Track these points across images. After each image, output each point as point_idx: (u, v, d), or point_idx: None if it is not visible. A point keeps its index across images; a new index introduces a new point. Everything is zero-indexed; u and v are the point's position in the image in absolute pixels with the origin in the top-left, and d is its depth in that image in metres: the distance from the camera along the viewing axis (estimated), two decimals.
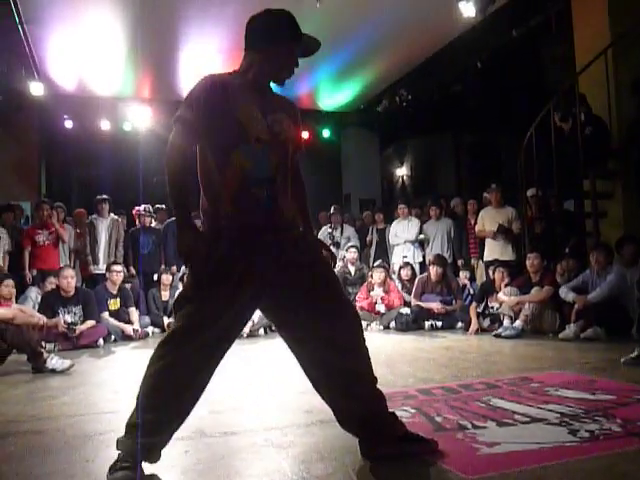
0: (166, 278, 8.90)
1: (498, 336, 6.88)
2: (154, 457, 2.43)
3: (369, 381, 2.60)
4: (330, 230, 10.47)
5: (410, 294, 8.57)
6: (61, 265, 8.29)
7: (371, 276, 8.75)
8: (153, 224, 9.96)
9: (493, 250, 8.63)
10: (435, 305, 8.10)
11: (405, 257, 9.89)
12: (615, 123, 7.64)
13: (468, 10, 8.48)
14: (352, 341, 2.57)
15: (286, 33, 2.59)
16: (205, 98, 2.46)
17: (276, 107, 2.61)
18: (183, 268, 8.67)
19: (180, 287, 8.51)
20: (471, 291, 8.69)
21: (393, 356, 5.83)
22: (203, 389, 2.47)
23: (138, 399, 2.40)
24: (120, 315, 7.94)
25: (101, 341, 7.35)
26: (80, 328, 7.04)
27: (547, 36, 8.81)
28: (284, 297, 2.54)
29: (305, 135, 14.18)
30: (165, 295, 8.86)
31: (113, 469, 2.33)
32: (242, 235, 2.45)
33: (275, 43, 2.57)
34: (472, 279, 9.21)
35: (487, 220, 8.72)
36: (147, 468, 2.40)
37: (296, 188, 2.71)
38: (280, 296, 2.54)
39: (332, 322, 2.52)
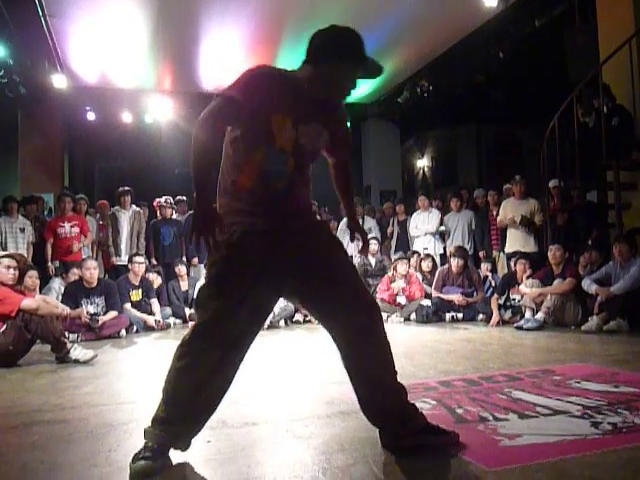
0: (178, 270, 8.94)
1: (519, 328, 6.84)
2: (183, 445, 2.47)
3: (389, 373, 2.60)
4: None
5: (431, 286, 8.55)
6: (83, 257, 8.37)
7: (394, 268, 8.72)
8: (174, 216, 9.99)
9: (515, 242, 8.57)
10: (456, 297, 8.07)
11: (426, 249, 9.86)
12: (639, 113, 7.54)
13: (490, 0, 8.42)
14: (369, 332, 2.55)
15: (347, 54, 2.48)
16: (253, 86, 2.42)
17: (314, 116, 2.56)
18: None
19: (202, 277, 8.54)
20: (492, 283, 8.64)
21: (414, 348, 5.82)
22: (227, 383, 2.49)
23: (163, 392, 2.45)
24: (142, 306, 7.99)
25: (123, 332, 7.40)
26: (103, 319, 7.11)
27: (570, 26, 8.71)
28: (303, 287, 2.55)
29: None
30: (184, 285, 8.90)
31: (136, 458, 2.36)
32: (259, 225, 2.44)
33: (333, 62, 2.47)
34: (493, 271, 9.16)
35: (509, 212, 8.66)
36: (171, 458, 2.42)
37: (342, 181, 2.87)
38: (299, 286, 2.55)
39: (349, 314, 2.51)
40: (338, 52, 2.48)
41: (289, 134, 2.49)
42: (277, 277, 2.48)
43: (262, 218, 2.45)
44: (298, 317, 8.37)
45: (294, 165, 2.53)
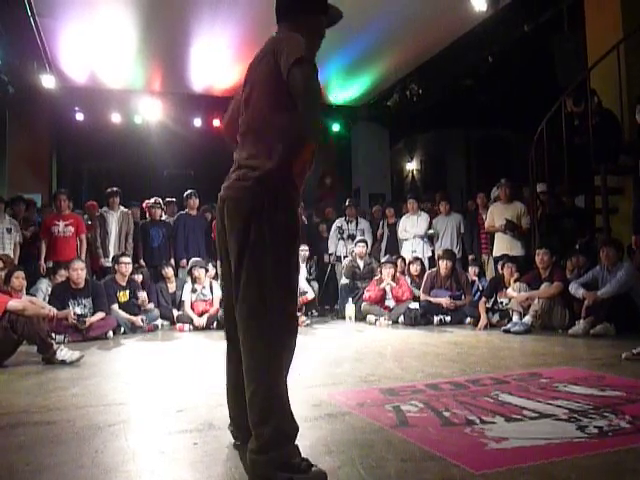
0: (165, 272, 8.90)
1: (507, 332, 6.85)
2: None
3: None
4: (340, 224, 10.42)
5: (419, 289, 8.56)
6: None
7: (380, 272, 8.73)
8: (163, 217, 9.95)
9: (502, 245, 8.57)
10: (444, 300, 8.08)
11: (414, 252, 9.86)
12: (627, 118, 7.59)
13: (479, 4, 8.46)
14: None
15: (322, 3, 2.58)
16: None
17: None
18: (192, 261, 8.68)
19: (188, 280, 8.50)
20: (480, 286, 8.66)
21: (401, 351, 5.82)
22: None
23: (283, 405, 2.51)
24: (129, 307, 7.95)
25: (110, 333, 7.36)
26: (90, 320, 7.06)
27: (559, 31, 8.76)
28: None
29: None
30: (172, 287, 8.87)
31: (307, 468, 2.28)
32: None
33: (314, 14, 2.59)
34: (481, 274, 9.18)
35: (496, 215, 8.67)
36: (160, 460, 2.41)
37: None
38: None
39: None
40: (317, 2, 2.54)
41: None
42: None
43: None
44: None
45: None
